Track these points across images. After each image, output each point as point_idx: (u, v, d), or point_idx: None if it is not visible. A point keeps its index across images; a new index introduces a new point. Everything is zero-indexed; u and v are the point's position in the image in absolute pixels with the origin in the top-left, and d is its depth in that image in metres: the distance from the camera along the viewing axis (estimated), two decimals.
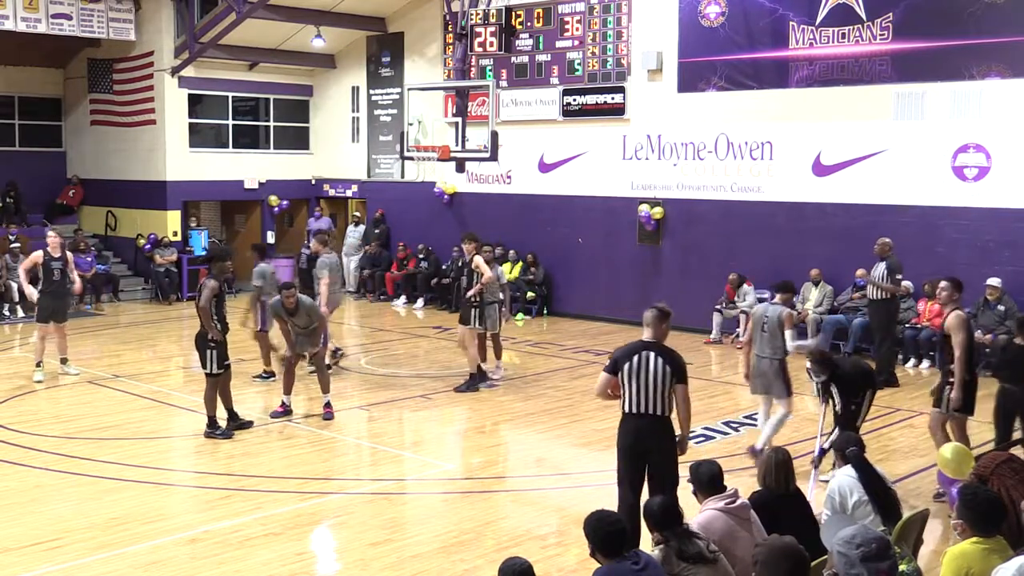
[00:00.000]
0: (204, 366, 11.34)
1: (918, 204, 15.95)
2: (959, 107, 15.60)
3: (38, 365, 14.06)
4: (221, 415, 11.42)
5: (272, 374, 13.82)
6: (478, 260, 13.58)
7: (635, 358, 7.48)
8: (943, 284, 9.78)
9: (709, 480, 6.19)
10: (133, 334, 18.16)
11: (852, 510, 6.40)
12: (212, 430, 11.34)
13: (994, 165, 15.31)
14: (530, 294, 20.24)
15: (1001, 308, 14.72)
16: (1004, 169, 15.21)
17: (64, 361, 14.42)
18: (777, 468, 6.49)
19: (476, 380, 13.69)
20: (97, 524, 8.54)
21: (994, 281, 14.79)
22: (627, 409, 7.55)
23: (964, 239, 15.53)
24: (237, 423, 11.49)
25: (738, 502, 6.03)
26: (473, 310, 13.54)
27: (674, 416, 7.60)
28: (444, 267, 21.49)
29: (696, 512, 7.19)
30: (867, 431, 10.00)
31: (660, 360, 7.46)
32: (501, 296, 14.11)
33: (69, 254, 14.49)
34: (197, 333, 11.41)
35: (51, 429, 11.69)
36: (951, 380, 9.39)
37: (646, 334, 7.64)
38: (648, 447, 7.39)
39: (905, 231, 15.59)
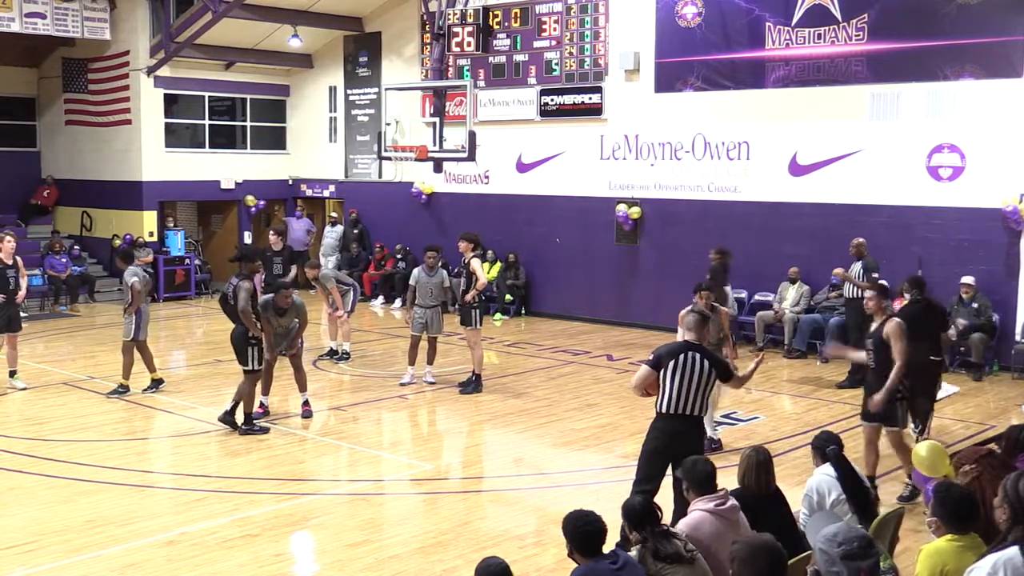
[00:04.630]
0: (245, 363, 11.37)
1: (893, 204, 16.06)
2: (934, 107, 15.71)
3: (12, 374, 13.73)
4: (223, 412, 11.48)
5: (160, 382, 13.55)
6: (475, 263, 13.55)
7: (681, 357, 7.53)
8: (868, 294, 9.43)
9: (705, 479, 6.11)
10: (109, 335, 18.01)
11: (831, 508, 6.42)
12: (249, 427, 11.40)
13: (968, 165, 15.43)
14: (508, 296, 20.24)
15: (975, 306, 14.87)
16: (978, 169, 15.33)
17: (12, 374, 13.72)
18: (758, 468, 6.49)
19: (480, 380, 13.70)
20: (73, 527, 8.49)
21: (968, 279, 14.92)
22: (664, 408, 7.55)
23: (938, 238, 15.65)
24: (230, 422, 11.46)
25: (728, 504, 6.00)
26: (473, 311, 13.53)
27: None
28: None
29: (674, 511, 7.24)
30: (842, 430, 10.07)
31: (706, 362, 7.55)
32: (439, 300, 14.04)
33: (19, 260, 13.98)
34: (234, 332, 11.45)
35: (26, 431, 11.60)
36: (900, 394, 9.10)
37: (689, 336, 7.73)
38: (680, 451, 7.19)
39: (880, 231, 15.70)
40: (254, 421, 11.57)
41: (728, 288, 17.29)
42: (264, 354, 12.13)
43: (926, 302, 11.53)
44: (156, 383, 13.54)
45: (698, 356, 7.56)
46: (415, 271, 14.02)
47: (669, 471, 7.54)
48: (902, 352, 8.89)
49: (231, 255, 23.58)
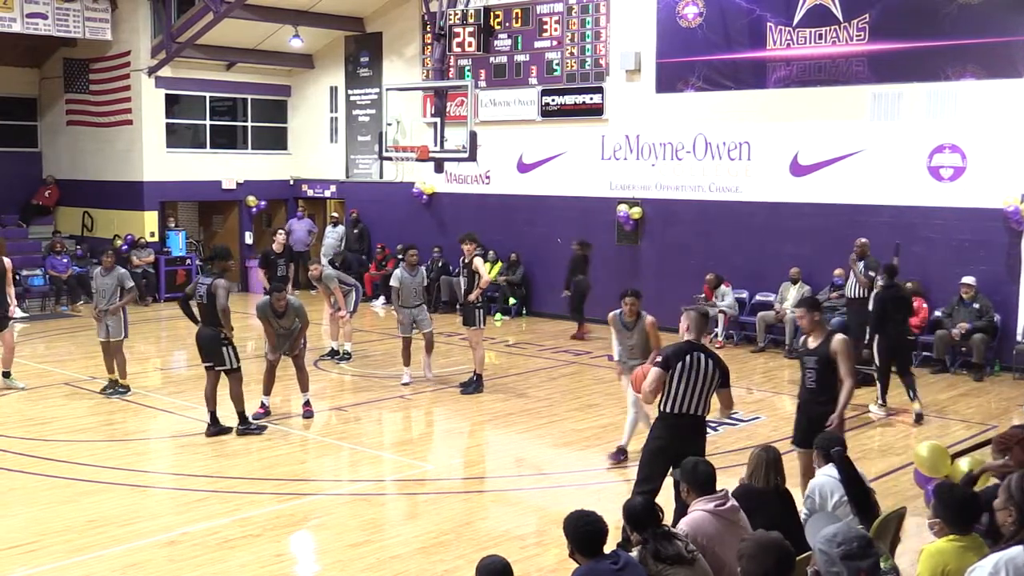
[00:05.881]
0: (225, 364, 11.28)
1: (894, 204, 16.06)
2: (935, 108, 15.71)
3: (6, 375, 13.67)
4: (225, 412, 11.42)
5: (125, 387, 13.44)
6: (477, 262, 13.62)
7: (688, 358, 7.54)
8: (799, 311, 8.63)
9: (706, 480, 6.09)
10: None
11: (833, 510, 6.41)
12: (245, 427, 11.37)
13: (969, 165, 15.43)
14: (511, 300, 20.23)
15: (975, 306, 14.86)
16: (979, 169, 15.33)
17: (7, 375, 13.65)
18: (767, 466, 6.48)
19: (481, 381, 13.72)
20: (74, 527, 8.49)
21: (969, 280, 14.92)
22: (668, 408, 7.56)
23: (939, 238, 15.65)
24: (217, 429, 11.41)
25: (728, 504, 5.99)
26: (477, 311, 13.56)
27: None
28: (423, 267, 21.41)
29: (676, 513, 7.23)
30: (845, 430, 10.04)
31: (711, 362, 7.57)
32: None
33: (7, 260, 13.79)
34: (202, 334, 11.36)
35: (27, 431, 11.60)
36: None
37: (691, 335, 7.72)
38: (683, 450, 7.17)
39: (881, 231, 15.68)
40: (250, 420, 11.55)
41: (728, 287, 17.41)
42: (268, 354, 12.16)
43: (896, 288, 12.91)
44: (113, 384, 13.41)
45: (703, 356, 7.58)
46: (396, 272, 14.08)
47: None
48: (851, 372, 8.13)
49: (235, 256, 23.75)
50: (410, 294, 13.85)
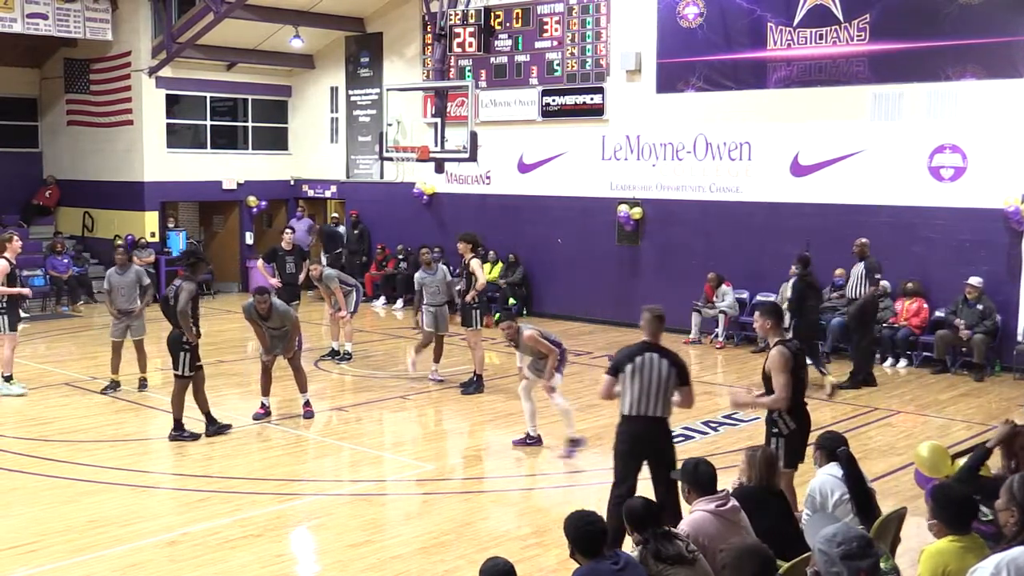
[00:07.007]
0: (176, 368, 11.24)
1: (895, 204, 16.06)
2: (935, 108, 15.70)
3: (8, 379, 13.52)
4: (186, 416, 11.33)
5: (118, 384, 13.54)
6: (474, 264, 13.66)
7: (638, 359, 7.51)
8: (756, 315, 8.22)
9: (708, 481, 6.10)
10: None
11: (833, 509, 6.41)
12: (179, 433, 11.25)
13: (970, 165, 15.43)
14: (512, 300, 20.22)
15: (980, 307, 14.84)
16: (979, 169, 15.33)
17: (8, 378, 13.50)
18: (762, 465, 6.49)
19: (482, 381, 13.75)
20: (75, 527, 8.49)
21: (974, 280, 14.90)
22: (627, 411, 7.55)
23: (940, 239, 15.65)
24: (216, 427, 11.40)
25: (729, 504, 5.99)
26: (474, 312, 13.62)
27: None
28: None
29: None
30: (845, 430, 10.06)
31: (664, 362, 7.52)
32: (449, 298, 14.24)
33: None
34: (170, 335, 11.33)
35: (28, 431, 11.61)
36: (775, 431, 7.72)
37: (646, 335, 7.70)
38: (647, 451, 7.37)
39: (882, 231, 15.69)
40: (184, 428, 11.30)
41: (728, 287, 17.41)
42: (262, 355, 12.14)
43: (810, 276, 14.24)
44: (114, 384, 13.54)
45: (656, 357, 7.54)
46: (417, 274, 14.15)
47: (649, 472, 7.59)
48: (784, 386, 7.55)
49: (236, 256, 23.84)
50: (434, 292, 13.88)
